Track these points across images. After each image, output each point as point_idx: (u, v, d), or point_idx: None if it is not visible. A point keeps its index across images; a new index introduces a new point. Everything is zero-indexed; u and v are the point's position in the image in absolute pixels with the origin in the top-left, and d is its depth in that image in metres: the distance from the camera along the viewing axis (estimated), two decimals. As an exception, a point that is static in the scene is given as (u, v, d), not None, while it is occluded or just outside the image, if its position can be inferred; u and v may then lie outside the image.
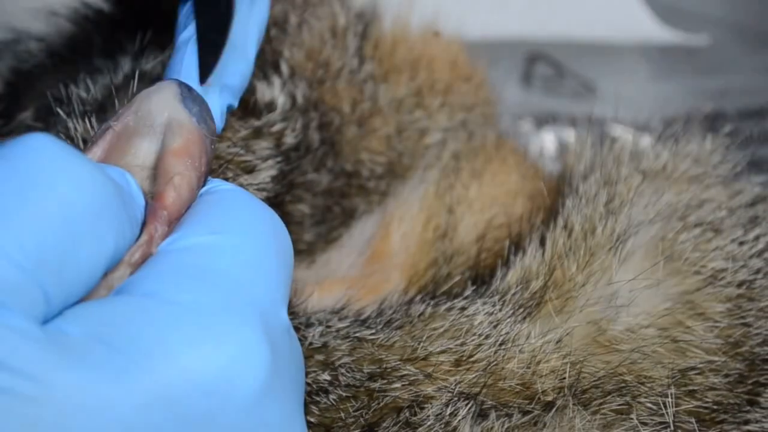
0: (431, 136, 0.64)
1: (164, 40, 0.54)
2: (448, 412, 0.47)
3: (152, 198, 0.38)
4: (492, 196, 0.60)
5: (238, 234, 0.37)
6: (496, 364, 0.48)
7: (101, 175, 0.34)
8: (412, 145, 0.63)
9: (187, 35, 0.45)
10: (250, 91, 0.54)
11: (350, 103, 0.61)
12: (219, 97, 0.44)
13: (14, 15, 0.63)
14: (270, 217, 0.39)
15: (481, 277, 0.55)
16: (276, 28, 0.60)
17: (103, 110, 0.51)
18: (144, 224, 0.37)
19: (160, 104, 0.40)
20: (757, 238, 0.56)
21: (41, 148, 0.33)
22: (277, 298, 0.37)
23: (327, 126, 0.59)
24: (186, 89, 0.41)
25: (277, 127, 0.56)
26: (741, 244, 0.55)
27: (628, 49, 0.88)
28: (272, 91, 0.57)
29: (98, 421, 0.30)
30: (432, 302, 0.52)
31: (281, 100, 0.57)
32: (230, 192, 0.40)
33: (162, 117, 0.40)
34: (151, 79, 0.52)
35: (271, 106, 0.56)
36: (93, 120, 0.50)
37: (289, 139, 0.57)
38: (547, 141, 0.83)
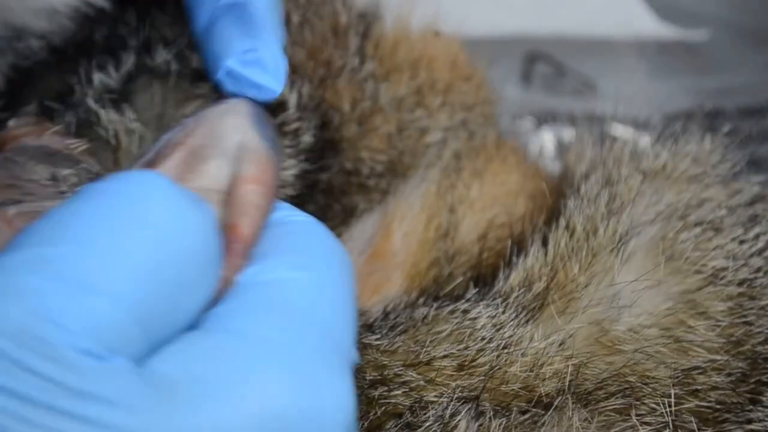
0: (432, 135, 0.64)
1: (167, 35, 0.54)
2: (448, 414, 0.47)
3: (226, 227, 0.37)
4: (493, 196, 0.60)
5: (320, 271, 0.36)
6: (498, 368, 0.48)
7: (207, 216, 0.34)
8: (413, 143, 0.63)
9: (204, 21, 0.45)
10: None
11: (351, 101, 0.61)
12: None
13: (15, 12, 0.63)
14: (342, 252, 0.39)
15: (483, 278, 0.55)
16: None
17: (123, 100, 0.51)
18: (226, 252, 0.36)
19: (234, 127, 0.39)
20: (757, 236, 0.56)
21: (155, 186, 0.33)
22: (352, 341, 0.36)
23: (327, 125, 0.60)
24: (259, 111, 0.40)
25: (293, 126, 0.56)
26: (741, 242, 0.55)
27: (627, 47, 0.88)
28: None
29: None
30: (435, 305, 0.52)
31: (293, 99, 0.57)
32: (308, 224, 0.39)
33: (234, 140, 0.39)
34: (160, 74, 0.52)
35: (284, 105, 0.56)
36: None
37: (307, 138, 0.57)
38: (547, 140, 0.83)
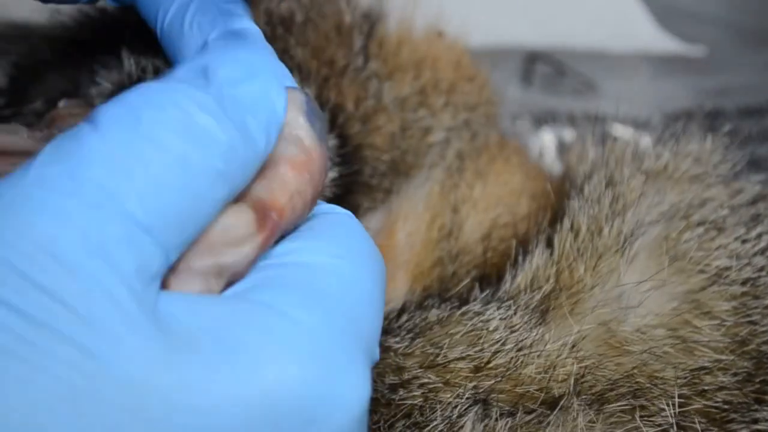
0: (435, 135, 0.64)
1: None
2: (456, 414, 0.47)
3: (262, 201, 0.35)
4: (496, 196, 0.60)
5: (355, 263, 0.35)
6: (514, 370, 0.48)
7: (231, 125, 0.32)
8: (416, 143, 0.63)
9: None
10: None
11: (354, 100, 0.61)
12: None
13: (17, 12, 0.63)
14: (378, 252, 0.38)
15: (487, 278, 0.55)
16: (282, 26, 0.59)
17: None
18: (257, 224, 0.34)
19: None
20: (759, 235, 0.56)
21: (164, 90, 0.32)
22: (377, 336, 0.35)
23: (333, 123, 0.59)
24: (310, 101, 0.38)
25: None
26: (744, 242, 0.55)
27: (628, 57, 0.89)
28: None
29: (198, 418, 0.29)
30: (446, 306, 0.52)
31: None
32: (348, 218, 0.38)
33: (283, 130, 0.37)
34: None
35: None
36: None
37: (330, 141, 0.57)
38: (547, 140, 0.83)
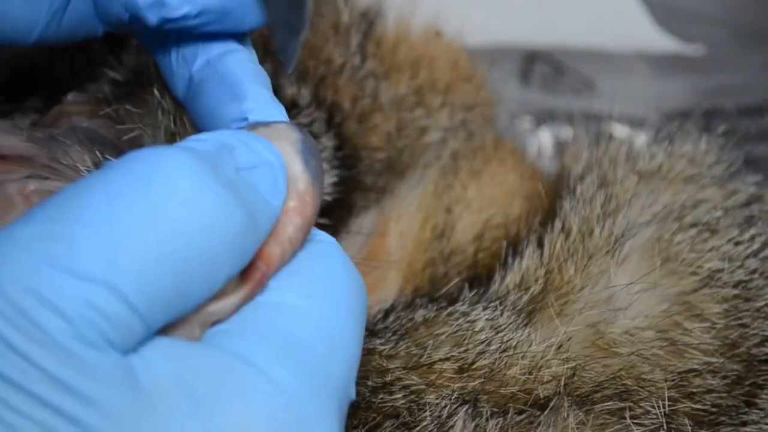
0: (431, 135, 0.64)
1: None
2: (446, 414, 0.47)
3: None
4: (490, 196, 0.60)
5: (329, 302, 0.35)
6: (498, 371, 0.48)
7: (236, 203, 0.32)
8: (412, 143, 0.63)
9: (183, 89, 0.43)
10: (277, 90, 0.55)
11: (351, 99, 0.61)
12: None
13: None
14: (359, 281, 0.37)
15: (478, 278, 0.56)
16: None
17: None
18: (244, 274, 0.34)
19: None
20: (752, 238, 0.56)
21: (176, 166, 0.31)
22: (353, 375, 0.35)
23: (331, 121, 0.60)
24: (305, 138, 0.37)
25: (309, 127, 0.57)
26: (737, 244, 0.55)
27: (627, 56, 0.88)
28: (293, 89, 0.57)
29: None
30: (434, 306, 0.52)
31: (304, 100, 0.57)
32: (328, 247, 0.37)
33: None
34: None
35: (297, 105, 0.57)
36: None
37: (328, 141, 0.57)
38: (545, 139, 0.83)
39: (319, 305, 0.35)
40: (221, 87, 0.41)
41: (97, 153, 0.46)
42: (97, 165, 0.46)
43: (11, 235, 0.29)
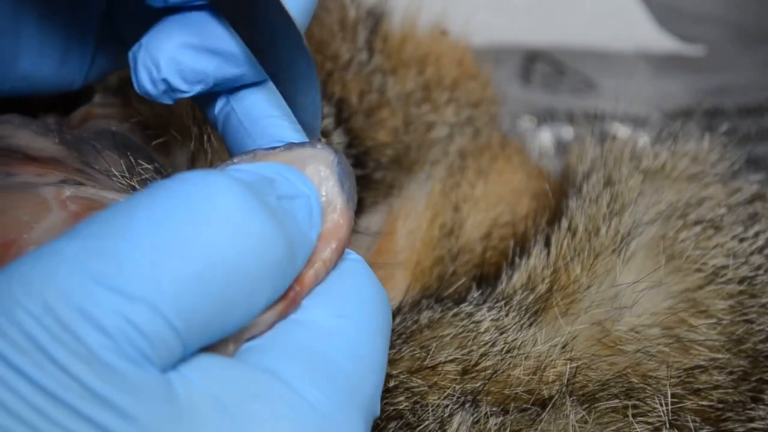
0: (438, 131, 0.64)
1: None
2: (447, 413, 0.47)
3: None
4: (497, 195, 0.61)
5: (359, 322, 0.36)
6: (501, 372, 0.49)
7: (279, 231, 0.33)
8: (419, 138, 0.63)
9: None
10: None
11: (358, 94, 0.61)
12: None
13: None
14: (385, 298, 0.38)
15: (485, 277, 0.56)
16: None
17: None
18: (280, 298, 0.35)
19: (314, 177, 0.37)
20: (756, 234, 0.56)
21: (222, 190, 0.32)
22: (379, 393, 0.36)
23: (336, 118, 0.60)
24: (342, 160, 0.38)
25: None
26: (741, 240, 0.56)
27: (627, 52, 0.89)
28: None
29: None
30: (439, 307, 0.52)
31: None
32: (357, 266, 0.38)
33: None
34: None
35: None
36: None
37: (339, 138, 0.57)
38: (545, 139, 0.83)
39: (350, 325, 0.35)
40: (240, 130, 0.41)
41: (131, 158, 0.46)
42: (132, 171, 0.45)
43: (59, 250, 0.30)
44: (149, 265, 0.30)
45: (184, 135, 0.50)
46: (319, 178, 0.37)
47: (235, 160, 0.38)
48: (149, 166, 0.46)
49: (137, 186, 0.45)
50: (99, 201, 0.41)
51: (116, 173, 0.45)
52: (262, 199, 0.33)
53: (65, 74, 0.48)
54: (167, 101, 0.40)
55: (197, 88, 0.40)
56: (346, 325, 0.35)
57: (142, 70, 0.39)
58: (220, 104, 0.42)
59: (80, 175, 0.43)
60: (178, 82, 0.39)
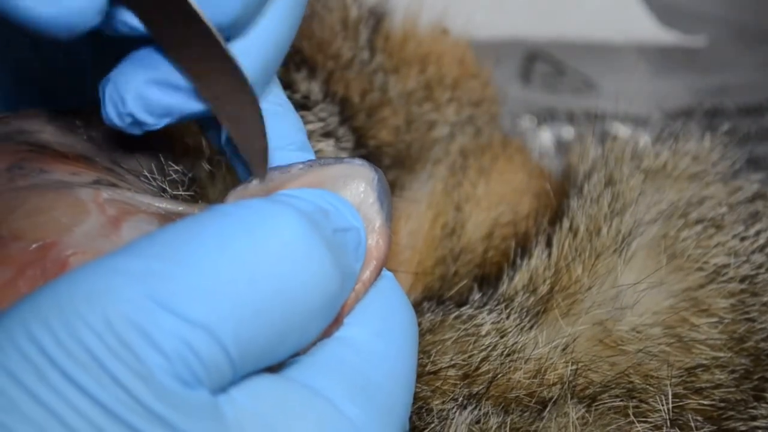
0: (439, 129, 0.64)
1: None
2: (450, 416, 0.47)
3: None
4: (499, 195, 0.61)
5: (396, 342, 0.37)
6: (502, 376, 0.49)
7: (335, 266, 0.33)
8: (421, 137, 0.63)
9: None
10: (289, 87, 0.55)
11: (360, 93, 0.61)
12: None
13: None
14: (413, 316, 0.39)
15: (487, 277, 0.56)
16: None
17: None
18: None
19: (354, 195, 0.37)
20: (758, 233, 0.56)
21: (285, 221, 0.32)
22: (409, 412, 0.37)
23: (339, 117, 0.60)
24: (381, 177, 0.38)
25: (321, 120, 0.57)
26: (742, 239, 0.56)
27: (627, 50, 0.89)
28: (307, 85, 0.57)
29: None
30: (440, 310, 0.52)
31: (317, 95, 0.57)
32: (391, 283, 0.39)
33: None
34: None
35: (308, 100, 0.57)
36: None
37: (345, 138, 0.57)
38: (546, 139, 0.83)
39: (387, 344, 0.36)
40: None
41: (161, 158, 0.46)
42: (164, 171, 0.45)
43: (123, 269, 0.30)
44: (210, 291, 0.30)
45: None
46: (359, 196, 0.37)
47: (274, 177, 0.37)
48: (177, 168, 0.46)
49: (167, 188, 0.44)
50: (135, 205, 0.40)
51: (146, 173, 0.45)
52: (322, 233, 0.33)
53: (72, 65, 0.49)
54: (136, 132, 0.40)
55: (164, 121, 0.40)
56: (383, 344, 0.36)
57: (109, 104, 0.39)
58: (225, 134, 0.42)
59: (111, 174, 0.43)
60: (143, 116, 0.39)
